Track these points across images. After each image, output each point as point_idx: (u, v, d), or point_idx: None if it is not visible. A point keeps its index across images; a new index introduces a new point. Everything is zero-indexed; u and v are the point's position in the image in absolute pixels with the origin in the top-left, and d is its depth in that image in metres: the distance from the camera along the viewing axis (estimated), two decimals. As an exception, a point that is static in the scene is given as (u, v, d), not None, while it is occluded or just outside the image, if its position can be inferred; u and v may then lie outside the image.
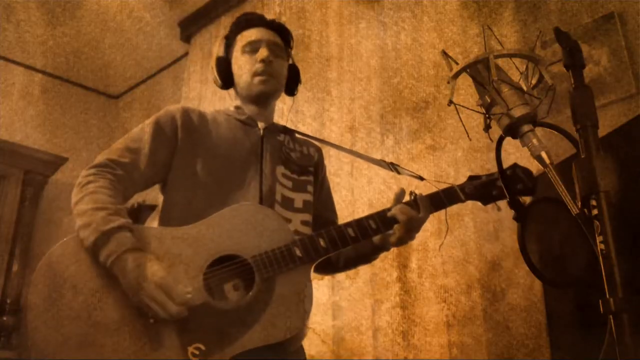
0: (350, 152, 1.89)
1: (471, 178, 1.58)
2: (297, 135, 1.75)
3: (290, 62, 1.74)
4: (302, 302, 1.33)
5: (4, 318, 3.68)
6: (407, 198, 1.52)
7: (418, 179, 1.64)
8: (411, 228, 1.47)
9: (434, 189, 1.54)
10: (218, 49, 1.71)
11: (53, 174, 4.20)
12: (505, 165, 1.28)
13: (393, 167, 1.68)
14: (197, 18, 4.19)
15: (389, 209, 1.48)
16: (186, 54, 4.32)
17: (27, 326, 1.23)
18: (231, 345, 1.25)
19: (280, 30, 1.71)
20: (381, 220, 1.47)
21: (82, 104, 4.89)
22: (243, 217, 1.40)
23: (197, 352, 1.24)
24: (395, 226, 1.46)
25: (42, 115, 4.57)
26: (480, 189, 1.54)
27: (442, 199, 1.52)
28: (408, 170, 1.68)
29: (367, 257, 1.64)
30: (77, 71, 4.76)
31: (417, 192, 1.50)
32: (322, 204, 1.72)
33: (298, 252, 1.37)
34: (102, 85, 4.97)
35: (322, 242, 1.41)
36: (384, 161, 1.70)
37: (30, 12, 4.09)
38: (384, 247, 1.56)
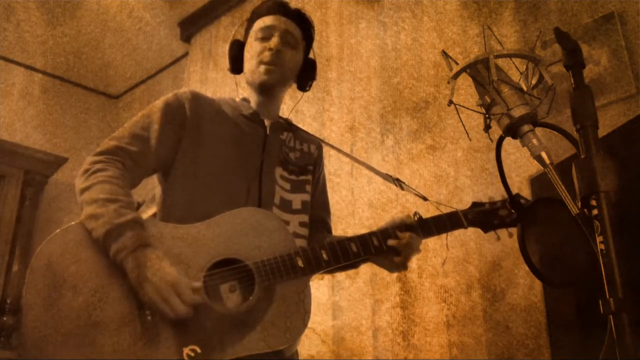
0: (360, 162, 1.84)
1: (474, 205, 1.58)
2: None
3: (311, 55, 1.69)
4: (301, 312, 1.32)
5: (4, 318, 3.68)
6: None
7: (422, 198, 1.62)
8: (413, 251, 1.48)
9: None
10: (237, 32, 1.68)
11: (53, 174, 4.19)
12: (504, 167, 1.28)
13: (398, 183, 1.65)
14: (197, 18, 4.19)
15: (392, 229, 1.48)
16: (186, 54, 4.32)
17: (26, 326, 1.21)
18: (226, 350, 1.25)
19: (301, 20, 1.64)
20: (384, 238, 1.47)
21: (82, 104, 4.89)
22: (244, 221, 1.39)
23: (192, 354, 1.23)
24: (401, 249, 1.46)
25: (42, 115, 4.57)
26: (482, 217, 1.54)
27: (446, 223, 1.52)
28: (413, 188, 1.66)
29: (352, 266, 1.61)
30: (77, 71, 4.75)
31: (419, 214, 1.51)
32: (316, 202, 1.69)
33: (300, 263, 1.36)
34: (102, 85, 4.97)
35: (324, 255, 1.39)
36: (390, 176, 1.68)
37: (30, 12, 4.09)
38: (375, 261, 1.56)
